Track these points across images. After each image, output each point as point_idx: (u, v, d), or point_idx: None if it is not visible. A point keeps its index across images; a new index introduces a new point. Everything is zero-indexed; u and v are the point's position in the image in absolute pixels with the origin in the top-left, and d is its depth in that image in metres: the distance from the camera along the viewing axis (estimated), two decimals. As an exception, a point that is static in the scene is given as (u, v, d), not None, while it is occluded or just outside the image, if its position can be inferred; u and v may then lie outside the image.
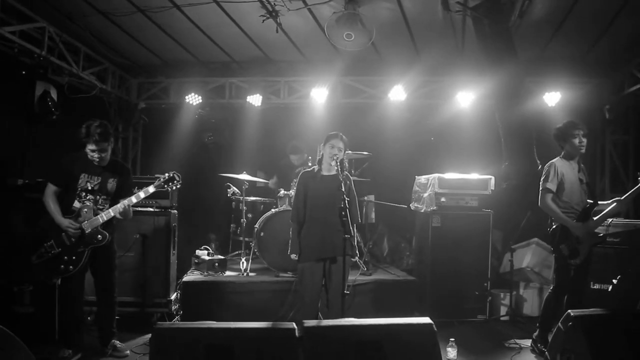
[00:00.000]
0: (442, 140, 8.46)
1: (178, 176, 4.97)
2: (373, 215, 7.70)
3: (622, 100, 7.64)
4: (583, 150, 5.21)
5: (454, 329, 5.85)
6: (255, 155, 8.41)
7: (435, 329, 3.70)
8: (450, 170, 6.77)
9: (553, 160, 5.26)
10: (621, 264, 5.85)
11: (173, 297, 6.29)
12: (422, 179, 6.97)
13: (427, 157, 8.26)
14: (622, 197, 5.06)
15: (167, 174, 4.97)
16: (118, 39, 7.23)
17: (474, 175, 6.75)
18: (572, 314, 4.17)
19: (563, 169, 5.17)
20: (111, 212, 4.74)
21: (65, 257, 4.64)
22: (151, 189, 4.87)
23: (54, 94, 6.50)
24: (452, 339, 4.62)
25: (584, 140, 5.19)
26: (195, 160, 8.40)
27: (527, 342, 5.46)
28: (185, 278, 6.26)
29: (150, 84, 8.50)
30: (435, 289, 6.45)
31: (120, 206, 4.74)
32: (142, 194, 4.83)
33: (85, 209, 4.70)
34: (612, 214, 5.11)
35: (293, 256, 4.94)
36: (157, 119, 8.67)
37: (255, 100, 8.10)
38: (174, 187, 5.00)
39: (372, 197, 7.71)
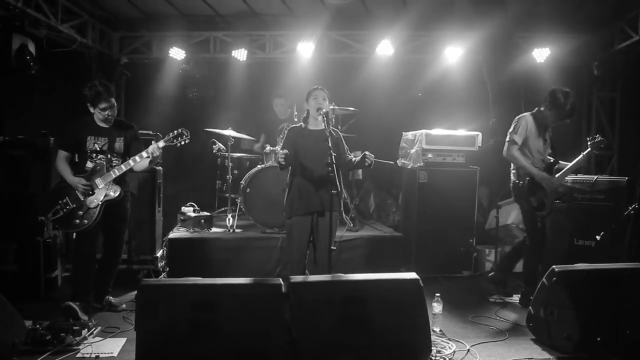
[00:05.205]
0: (429, 96, 8.36)
1: (186, 132, 4.96)
2: (360, 172, 7.67)
3: (611, 57, 7.58)
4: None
5: (439, 284, 5.91)
6: (241, 111, 8.28)
7: (422, 284, 3.72)
8: (437, 127, 6.72)
9: (525, 114, 5.38)
10: (605, 220, 5.91)
11: (159, 254, 6.29)
12: (409, 135, 6.92)
13: (414, 113, 8.16)
14: (579, 157, 5.24)
15: (176, 130, 4.97)
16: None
17: (462, 132, 6.70)
18: (556, 269, 4.21)
19: (533, 125, 5.31)
20: (123, 167, 4.83)
21: (80, 212, 4.76)
22: (161, 144, 4.89)
23: (31, 48, 6.27)
24: (438, 294, 4.64)
25: (568, 121, 5.32)
26: (180, 116, 8.22)
27: (511, 298, 5.59)
28: (171, 235, 6.25)
29: (132, 38, 8.24)
30: (422, 245, 6.48)
31: (138, 157, 4.79)
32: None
33: (98, 167, 4.82)
34: (573, 170, 5.33)
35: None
36: (140, 74, 8.45)
37: (240, 54, 7.93)
38: (183, 143, 4.97)
39: (358, 154, 7.65)
